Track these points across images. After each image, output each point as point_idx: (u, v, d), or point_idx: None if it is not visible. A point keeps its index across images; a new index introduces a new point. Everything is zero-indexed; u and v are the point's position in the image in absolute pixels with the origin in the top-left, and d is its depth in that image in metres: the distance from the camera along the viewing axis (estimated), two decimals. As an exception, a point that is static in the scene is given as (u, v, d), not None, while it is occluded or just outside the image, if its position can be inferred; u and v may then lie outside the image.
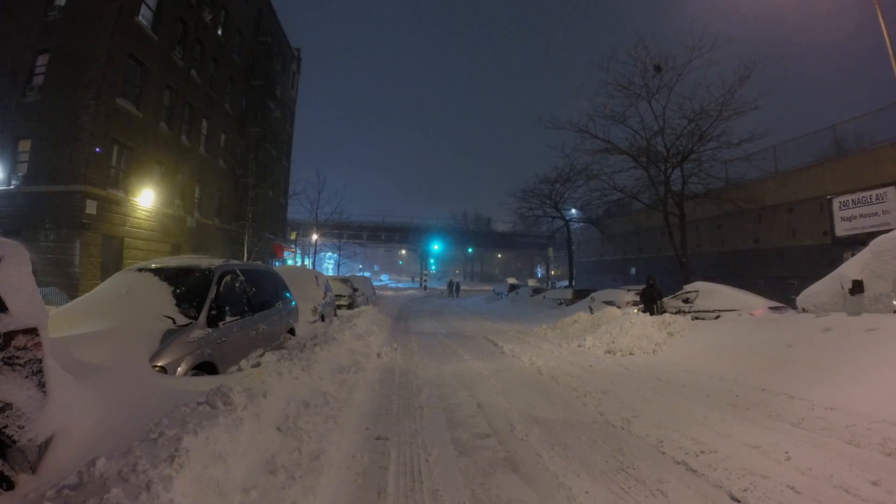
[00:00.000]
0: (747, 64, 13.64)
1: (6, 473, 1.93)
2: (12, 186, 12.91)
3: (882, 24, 10.01)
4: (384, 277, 77.50)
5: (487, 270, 78.40)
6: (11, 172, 13.03)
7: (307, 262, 38.69)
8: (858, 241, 8.26)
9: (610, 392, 4.98)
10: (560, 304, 18.13)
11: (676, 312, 9.65)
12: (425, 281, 47.05)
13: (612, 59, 14.89)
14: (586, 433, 3.64)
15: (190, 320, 4.12)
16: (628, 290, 13.90)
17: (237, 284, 5.17)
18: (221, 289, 4.71)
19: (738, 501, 2.46)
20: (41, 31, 13.48)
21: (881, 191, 8.84)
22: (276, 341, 5.84)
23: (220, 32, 20.20)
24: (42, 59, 13.48)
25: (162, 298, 4.32)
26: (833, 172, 16.64)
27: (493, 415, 4.18)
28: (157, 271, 4.73)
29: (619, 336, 8.04)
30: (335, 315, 11.33)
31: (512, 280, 37.66)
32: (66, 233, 12.50)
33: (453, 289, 36.81)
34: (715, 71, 14.19)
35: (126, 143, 14.25)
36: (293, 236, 36.15)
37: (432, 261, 54.49)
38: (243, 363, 4.52)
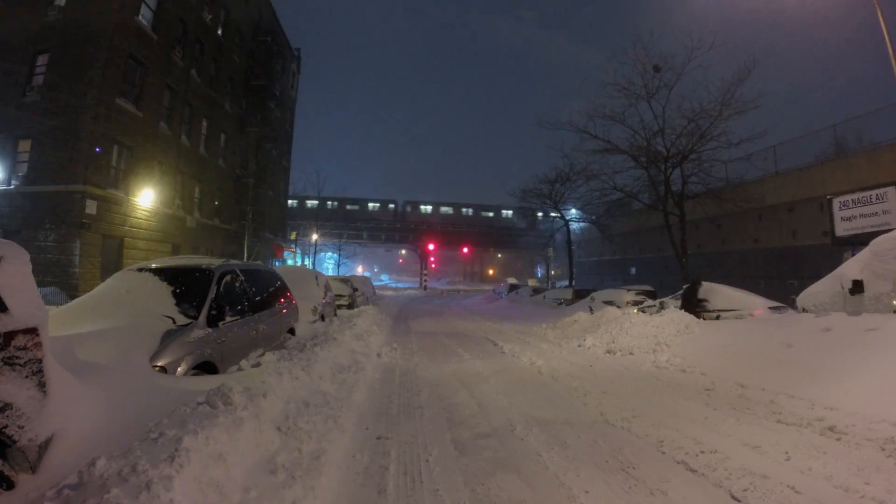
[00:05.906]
0: (747, 64, 13.68)
1: (6, 473, 1.93)
2: (12, 186, 12.92)
3: (882, 24, 10.01)
4: (384, 277, 77.61)
5: (487, 271, 78.35)
6: (11, 172, 13.05)
7: (307, 262, 38.72)
8: (858, 241, 8.25)
9: (610, 392, 4.98)
10: (560, 303, 18.14)
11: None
12: (425, 281, 47.11)
13: (612, 60, 14.94)
14: (586, 433, 3.64)
15: (190, 320, 4.12)
16: (628, 290, 13.90)
17: (237, 284, 5.17)
18: (221, 289, 4.71)
19: (739, 501, 2.46)
20: (41, 31, 13.48)
21: (881, 191, 8.82)
22: (276, 341, 5.84)
23: (220, 32, 20.20)
24: (42, 59, 13.50)
25: (162, 298, 4.31)
26: (833, 172, 16.65)
27: (493, 414, 4.17)
28: (157, 271, 4.73)
29: (619, 336, 8.05)
30: (335, 315, 11.32)
31: (512, 280, 37.69)
32: (66, 233, 12.51)
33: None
34: (715, 71, 14.22)
35: (126, 143, 14.25)
36: (293, 236, 36.18)
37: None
38: (243, 363, 4.51)
